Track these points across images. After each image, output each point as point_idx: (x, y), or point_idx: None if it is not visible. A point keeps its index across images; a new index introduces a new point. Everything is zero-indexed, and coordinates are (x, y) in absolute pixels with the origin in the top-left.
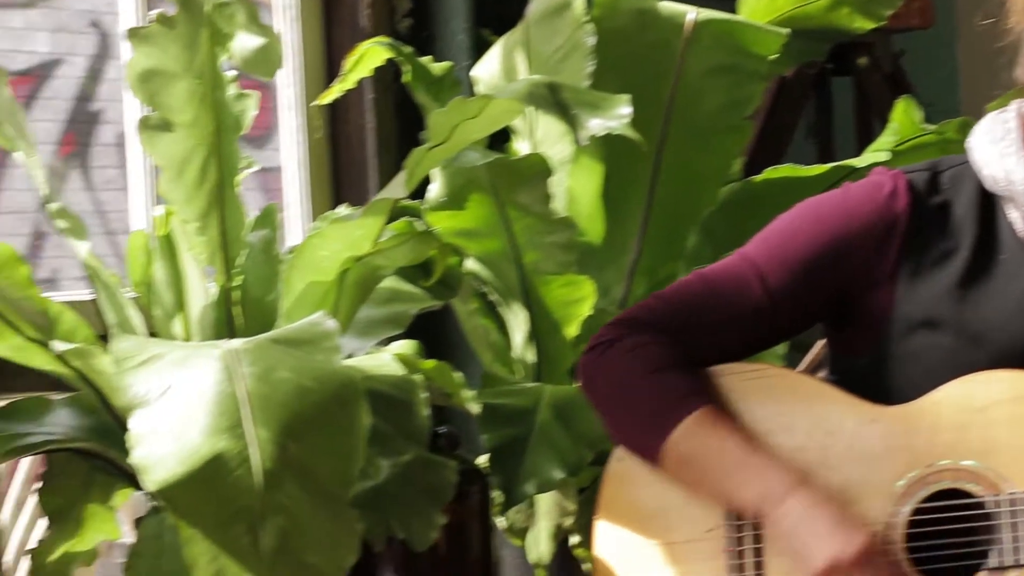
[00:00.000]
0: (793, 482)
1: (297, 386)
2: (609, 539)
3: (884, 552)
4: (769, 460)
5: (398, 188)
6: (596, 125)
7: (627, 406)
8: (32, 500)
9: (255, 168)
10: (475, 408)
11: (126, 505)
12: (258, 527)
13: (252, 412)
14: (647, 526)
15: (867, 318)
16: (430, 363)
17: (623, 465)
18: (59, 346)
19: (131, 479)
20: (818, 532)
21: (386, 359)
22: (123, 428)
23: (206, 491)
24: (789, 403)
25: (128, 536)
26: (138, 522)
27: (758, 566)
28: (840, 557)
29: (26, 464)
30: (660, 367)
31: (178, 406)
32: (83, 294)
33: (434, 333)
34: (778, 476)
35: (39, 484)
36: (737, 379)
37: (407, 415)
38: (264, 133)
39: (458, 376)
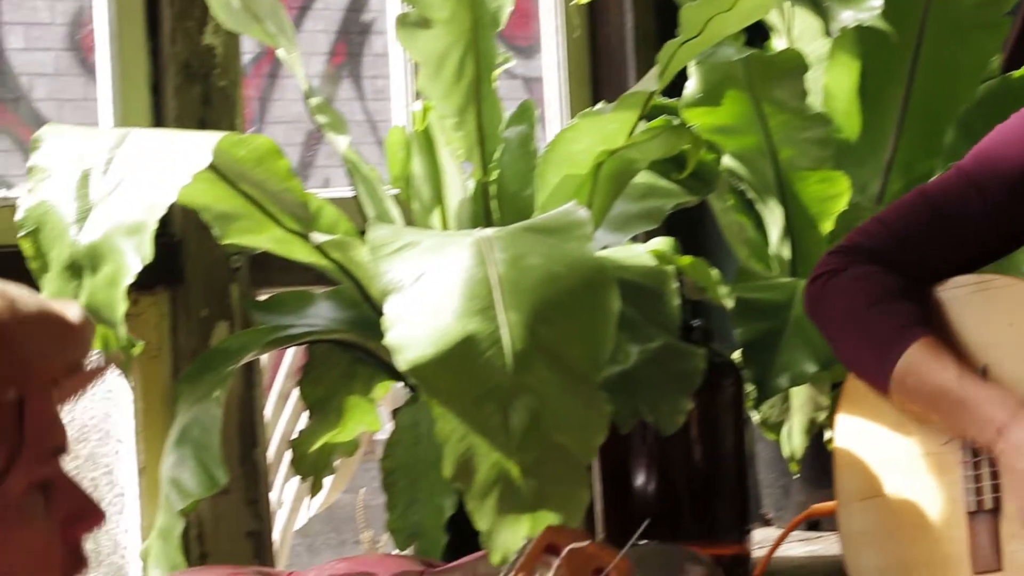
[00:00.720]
0: (1008, 418)
1: (548, 272)
2: (850, 466)
3: None
4: (988, 394)
5: (651, 82)
6: (848, 17)
7: (852, 338)
8: (295, 393)
9: (511, 64)
10: (729, 303)
11: (386, 399)
12: (508, 407)
13: (503, 296)
14: (885, 435)
15: None
16: (686, 259)
17: (860, 382)
18: (318, 237)
19: (391, 370)
20: None
21: (638, 250)
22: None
23: (458, 371)
24: (1018, 313)
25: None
26: (395, 412)
27: (994, 475)
28: None
29: (289, 357)
30: (881, 297)
31: (431, 290)
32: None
33: (691, 230)
34: (996, 412)
35: (301, 376)
36: (963, 292)
37: (657, 304)
38: (533, 43)
39: (714, 272)
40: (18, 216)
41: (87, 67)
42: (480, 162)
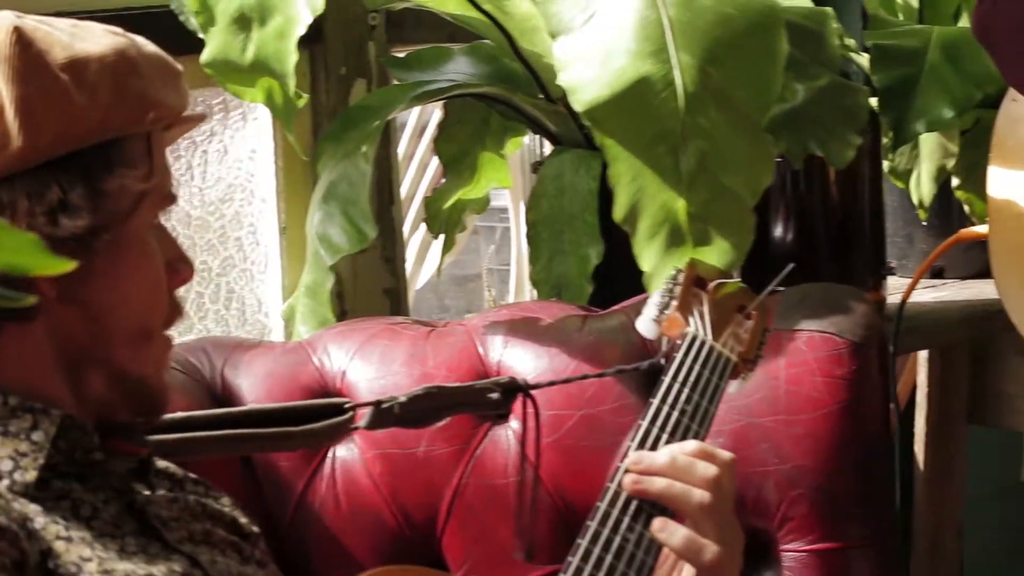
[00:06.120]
0: None
1: (718, 13)
2: (1002, 177)
3: None
4: None
5: None
6: None
7: None
8: (418, 152)
9: None
10: (857, 56)
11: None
12: (679, 149)
13: (675, 37)
14: None
15: None
16: (827, 8)
17: (1018, 105)
18: None
19: (529, 124)
20: None
21: None
22: (530, 72)
23: (631, 112)
24: None
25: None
26: (537, 165)
27: None
28: None
29: (412, 119)
30: None
31: (603, 31)
32: None
33: None
34: None
35: (436, 133)
36: None
37: (820, 44)
38: None
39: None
40: None
41: None
42: None
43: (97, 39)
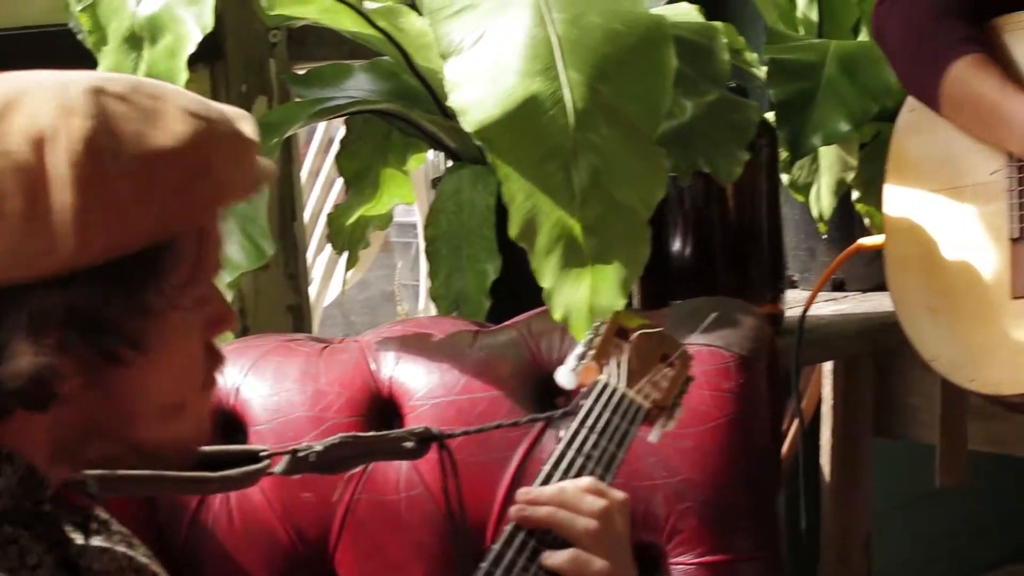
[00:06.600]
0: None
1: (607, 30)
2: (897, 188)
3: None
4: None
5: None
6: None
7: (912, 48)
8: (325, 168)
9: None
10: (758, 70)
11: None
12: (571, 165)
13: (563, 55)
14: (935, 173)
15: None
16: (716, 23)
17: (914, 115)
18: (368, 4)
19: (427, 140)
20: None
21: (685, 8)
22: (426, 88)
23: (522, 131)
24: None
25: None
26: (436, 181)
27: None
28: None
29: (319, 134)
30: (945, 11)
31: (492, 51)
32: None
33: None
34: None
35: (339, 150)
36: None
37: (708, 59)
38: None
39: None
40: None
41: None
42: None
43: (172, 125)
